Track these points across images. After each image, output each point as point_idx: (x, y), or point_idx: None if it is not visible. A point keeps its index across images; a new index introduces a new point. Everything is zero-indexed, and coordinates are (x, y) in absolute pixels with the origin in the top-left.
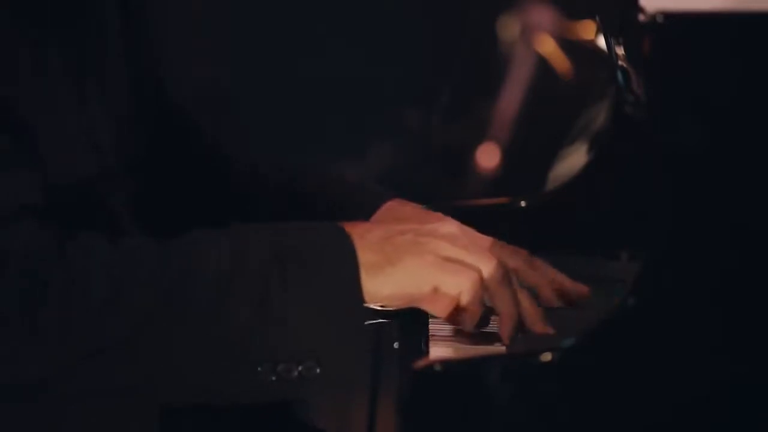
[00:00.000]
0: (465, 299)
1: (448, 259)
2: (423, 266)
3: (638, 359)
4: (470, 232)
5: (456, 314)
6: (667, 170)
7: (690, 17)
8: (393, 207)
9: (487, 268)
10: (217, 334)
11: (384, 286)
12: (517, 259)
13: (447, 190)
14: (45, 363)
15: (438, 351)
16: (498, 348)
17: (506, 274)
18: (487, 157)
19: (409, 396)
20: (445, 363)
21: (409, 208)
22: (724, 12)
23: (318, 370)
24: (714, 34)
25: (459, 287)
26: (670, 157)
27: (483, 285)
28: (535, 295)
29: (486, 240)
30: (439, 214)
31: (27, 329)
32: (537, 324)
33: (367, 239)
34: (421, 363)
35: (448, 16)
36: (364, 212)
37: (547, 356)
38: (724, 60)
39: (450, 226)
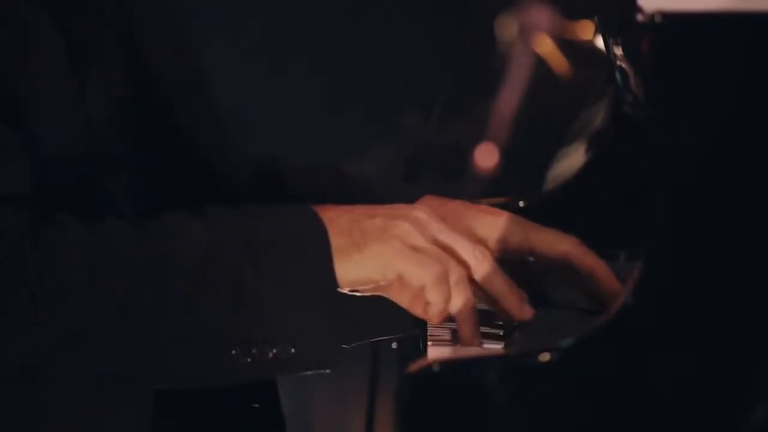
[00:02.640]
0: (429, 292)
1: (415, 248)
2: (388, 253)
3: (637, 359)
4: (440, 221)
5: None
6: (666, 170)
7: (688, 17)
8: (427, 202)
9: (450, 261)
10: (191, 318)
11: (350, 271)
12: (569, 243)
13: (446, 190)
14: (23, 347)
15: (436, 351)
16: (496, 348)
17: (464, 276)
18: (486, 157)
19: (408, 396)
20: (444, 363)
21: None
22: (722, 12)
23: (293, 351)
24: (712, 34)
25: (422, 280)
26: (669, 157)
27: (447, 280)
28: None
29: (479, 221)
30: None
31: (2, 314)
32: (514, 309)
33: (337, 223)
34: (419, 363)
35: (448, 16)
36: None
37: (545, 356)
38: (723, 60)
39: (418, 212)
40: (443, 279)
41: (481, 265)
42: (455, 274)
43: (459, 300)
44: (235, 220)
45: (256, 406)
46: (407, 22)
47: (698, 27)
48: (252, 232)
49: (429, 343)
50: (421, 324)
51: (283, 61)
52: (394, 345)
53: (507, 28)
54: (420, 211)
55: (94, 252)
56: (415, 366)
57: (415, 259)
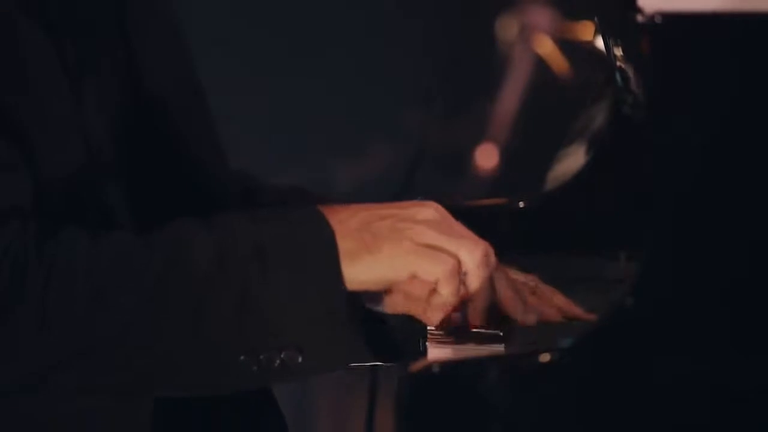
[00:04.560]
0: (442, 287)
1: (427, 246)
2: (400, 253)
3: (637, 360)
4: (450, 218)
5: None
6: (665, 171)
7: (688, 18)
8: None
9: (466, 253)
10: (198, 327)
11: (362, 273)
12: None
13: (446, 191)
14: (27, 363)
15: (436, 352)
16: (497, 349)
17: (486, 259)
18: (487, 157)
19: (408, 397)
20: (444, 364)
21: None
22: (722, 13)
23: (300, 359)
24: (712, 34)
25: (435, 274)
26: (669, 157)
27: (461, 272)
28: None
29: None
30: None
31: (6, 329)
32: (518, 313)
33: (346, 226)
34: (419, 364)
35: (448, 16)
36: None
37: (545, 357)
38: (723, 61)
39: (429, 211)
40: (455, 273)
41: (484, 266)
42: (470, 261)
43: (477, 281)
44: (242, 227)
45: (256, 404)
46: (408, 21)
47: (698, 27)
48: (258, 238)
49: (429, 343)
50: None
51: (283, 62)
52: None
53: (508, 28)
54: (429, 211)
55: (99, 266)
56: (415, 366)
57: (427, 255)
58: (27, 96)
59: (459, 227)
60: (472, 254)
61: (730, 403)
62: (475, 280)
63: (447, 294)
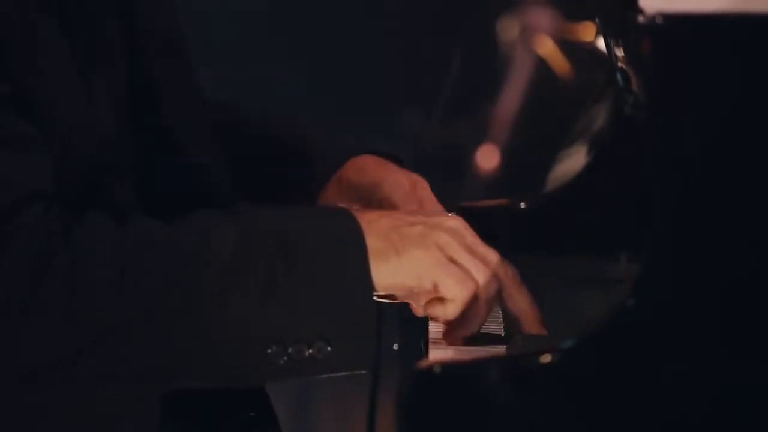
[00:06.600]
0: (454, 307)
1: (453, 260)
2: (428, 261)
3: (637, 360)
4: (474, 234)
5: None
6: (667, 171)
7: (689, 18)
8: (361, 163)
9: (484, 281)
10: (224, 318)
11: (387, 275)
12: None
13: (447, 192)
14: (50, 346)
15: (437, 353)
16: (497, 350)
17: (496, 293)
18: (488, 158)
19: (409, 398)
20: (445, 365)
21: (378, 165)
22: (723, 13)
23: (329, 349)
24: (713, 35)
25: (455, 295)
26: (670, 158)
27: (475, 296)
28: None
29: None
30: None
31: (30, 312)
32: (532, 329)
33: (375, 226)
34: (420, 365)
35: (448, 16)
36: (328, 164)
37: (546, 358)
38: (724, 61)
39: (456, 222)
40: (472, 297)
41: (510, 283)
42: (486, 291)
43: (481, 315)
44: (267, 219)
45: (252, 414)
46: (409, 22)
47: (699, 28)
48: (284, 230)
49: (430, 344)
50: (422, 326)
51: (283, 61)
52: (395, 346)
53: (509, 29)
54: (456, 221)
55: (123, 250)
56: (416, 367)
57: (454, 273)
58: (44, 89)
59: (482, 245)
60: (487, 284)
61: (730, 404)
62: (483, 309)
63: (452, 312)
